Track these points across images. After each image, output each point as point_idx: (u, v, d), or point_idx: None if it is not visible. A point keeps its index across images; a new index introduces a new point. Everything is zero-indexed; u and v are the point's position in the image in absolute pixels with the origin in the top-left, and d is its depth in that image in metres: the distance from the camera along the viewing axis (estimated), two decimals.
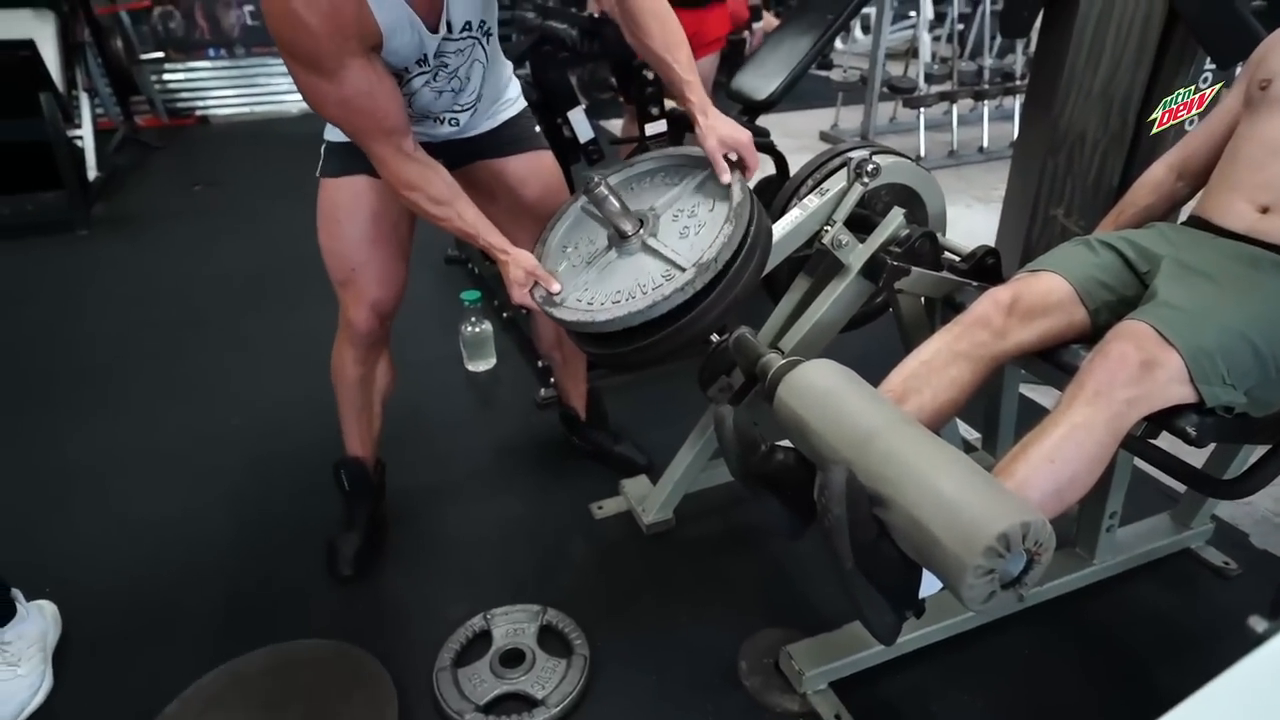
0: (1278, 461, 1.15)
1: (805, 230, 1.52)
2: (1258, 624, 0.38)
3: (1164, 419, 1.11)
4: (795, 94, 5.79)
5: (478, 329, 2.32)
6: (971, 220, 3.47)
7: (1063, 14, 2.22)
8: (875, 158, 1.45)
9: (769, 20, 5.79)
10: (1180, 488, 1.70)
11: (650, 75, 2.06)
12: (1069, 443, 1.04)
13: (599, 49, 2.13)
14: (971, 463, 1.01)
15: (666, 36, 1.33)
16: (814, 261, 1.61)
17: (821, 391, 1.15)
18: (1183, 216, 1.44)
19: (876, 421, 1.07)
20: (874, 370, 1.25)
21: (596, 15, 2.37)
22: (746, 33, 5.79)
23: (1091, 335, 1.26)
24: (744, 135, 1.30)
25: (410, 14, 1.19)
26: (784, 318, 1.62)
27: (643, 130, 2.13)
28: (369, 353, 1.57)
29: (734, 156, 1.31)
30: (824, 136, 4.82)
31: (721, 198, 1.31)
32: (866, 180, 1.44)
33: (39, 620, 1.44)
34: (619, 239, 1.33)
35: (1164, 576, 1.60)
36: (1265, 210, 1.25)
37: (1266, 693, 0.37)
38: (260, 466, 1.96)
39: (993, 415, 1.76)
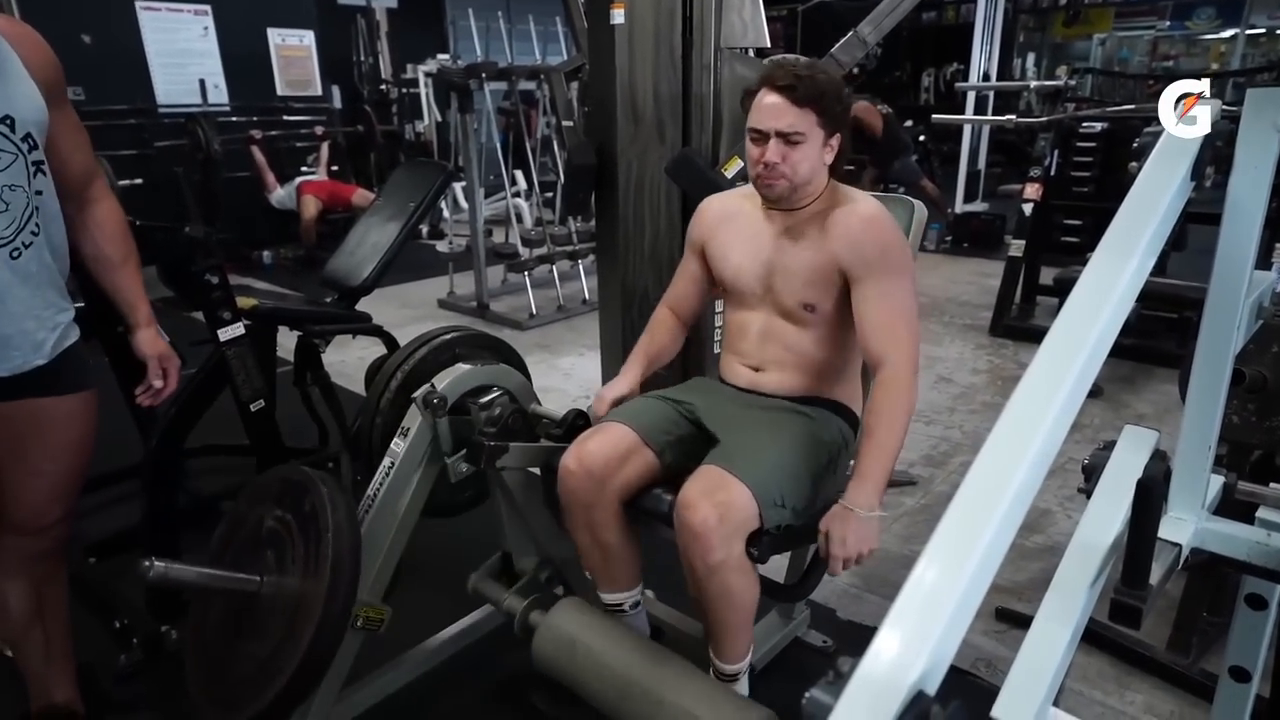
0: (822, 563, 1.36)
1: (404, 478, 1.49)
2: (844, 664, 0.48)
3: None
4: (412, 264, 5.88)
5: None
6: (585, 368, 3.78)
7: (609, 192, 2.61)
8: (439, 383, 1.46)
9: (363, 194, 5.93)
10: None
11: (215, 280, 1.90)
12: (732, 617, 1.34)
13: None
14: (709, 681, 1.35)
15: (122, 247, 1.46)
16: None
17: (569, 644, 1.41)
18: None
19: (631, 672, 1.34)
20: None
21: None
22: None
23: (662, 475, 1.42)
24: (175, 361, 1.51)
25: None
26: None
27: (215, 336, 1.94)
28: None
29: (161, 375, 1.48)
30: (442, 304, 4.95)
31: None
32: (440, 414, 1.45)
33: None
34: None
35: (786, 669, 1.79)
36: (757, 369, 1.55)
37: None
38: None
39: None
